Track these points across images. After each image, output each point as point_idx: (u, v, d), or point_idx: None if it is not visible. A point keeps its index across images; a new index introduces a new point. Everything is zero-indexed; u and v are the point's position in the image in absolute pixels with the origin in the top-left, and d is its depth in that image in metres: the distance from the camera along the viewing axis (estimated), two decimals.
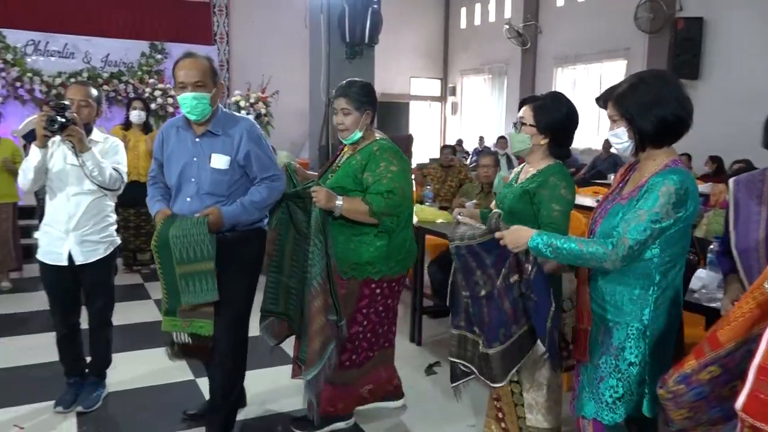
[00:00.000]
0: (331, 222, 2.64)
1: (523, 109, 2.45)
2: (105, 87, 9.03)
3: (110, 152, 3.01)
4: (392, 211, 2.62)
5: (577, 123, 2.42)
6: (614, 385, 1.93)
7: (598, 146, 10.43)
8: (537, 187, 2.35)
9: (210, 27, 10.81)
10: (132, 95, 8.75)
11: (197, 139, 2.60)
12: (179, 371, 3.47)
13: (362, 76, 7.30)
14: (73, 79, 8.69)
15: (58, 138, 2.80)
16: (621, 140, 1.91)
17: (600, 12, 11.00)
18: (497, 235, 2.04)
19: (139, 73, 9.36)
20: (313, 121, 7.54)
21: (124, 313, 4.50)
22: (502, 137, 10.99)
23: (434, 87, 15.79)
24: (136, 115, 5.57)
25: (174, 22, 10.40)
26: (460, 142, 13.28)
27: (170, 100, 9.32)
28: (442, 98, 15.90)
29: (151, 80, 9.38)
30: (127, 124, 5.65)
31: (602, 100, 1.98)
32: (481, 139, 13.16)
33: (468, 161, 11.24)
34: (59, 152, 2.89)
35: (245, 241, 2.64)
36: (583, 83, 11.72)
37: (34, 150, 2.83)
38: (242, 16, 10.92)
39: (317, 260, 2.54)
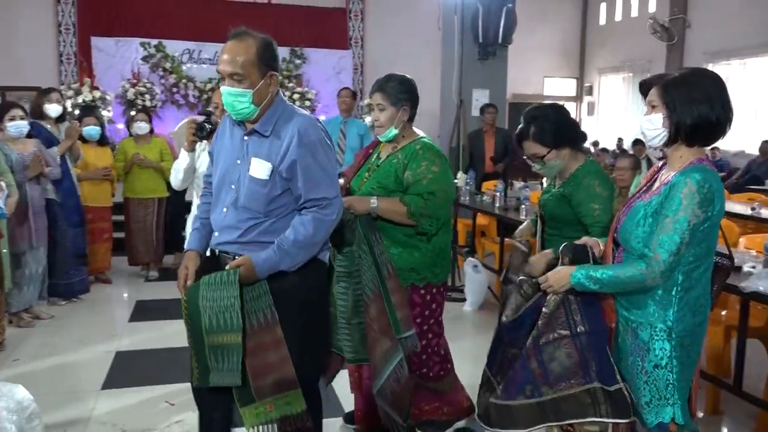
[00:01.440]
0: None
1: (527, 145, 2.49)
2: None
3: None
4: (431, 213, 2.44)
5: (574, 120, 2.52)
6: (641, 387, 1.87)
7: (753, 149, 9.55)
8: (572, 190, 2.40)
9: (346, 32, 11.18)
10: None
11: (245, 138, 2.11)
12: None
13: (495, 76, 7.28)
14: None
15: (205, 142, 3.03)
16: (654, 127, 1.84)
17: (759, 1, 10.04)
18: (541, 279, 2.02)
19: (280, 78, 9.87)
20: (443, 122, 7.56)
21: None
22: (639, 141, 10.37)
23: (569, 87, 15.24)
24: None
25: (312, 28, 10.86)
26: (596, 144, 12.72)
27: (307, 103, 9.76)
28: (577, 98, 15.30)
29: (290, 84, 9.87)
30: None
31: (647, 85, 1.90)
32: (620, 141, 12.51)
33: (606, 163, 10.72)
34: (205, 155, 3.11)
35: (294, 279, 2.08)
36: (739, 80, 10.76)
37: (183, 153, 3.07)
38: (377, 20, 11.18)
39: (365, 269, 2.38)
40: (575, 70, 15.14)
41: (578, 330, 1.97)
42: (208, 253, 2.26)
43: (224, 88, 2.01)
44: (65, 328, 4.32)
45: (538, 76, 14.61)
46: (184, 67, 9.58)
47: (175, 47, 9.59)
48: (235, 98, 2.00)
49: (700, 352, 1.92)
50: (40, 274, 4.48)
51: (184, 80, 9.46)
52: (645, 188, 1.97)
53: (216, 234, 2.17)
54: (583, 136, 2.56)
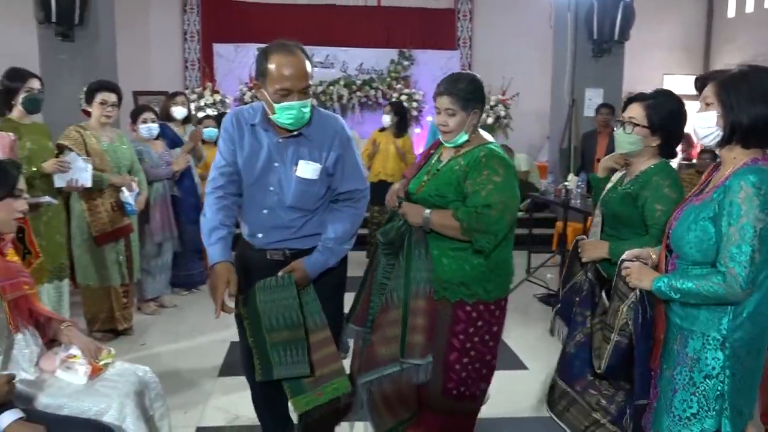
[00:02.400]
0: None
1: (632, 107, 2.30)
2: (358, 93, 9.83)
3: None
4: (486, 228, 2.18)
5: (686, 120, 2.26)
6: (687, 399, 1.79)
7: None
8: (639, 188, 2.27)
9: (454, 32, 11.13)
10: (381, 100, 9.40)
11: (280, 140, 2.19)
12: None
13: (610, 74, 6.98)
14: (332, 87, 9.64)
15: None
16: (707, 125, 1.77)
17: None
18: (626, 265, 1.96)
19: (388, 79, 10.00)
20: (554, 122, 7.35)
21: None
22: None
23: (691, 84, 14.29)
24: (384, 120, 5.96)
25: (421, 29, 10.90)
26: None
27: (414, 104, 9.81)
28: (699, 97, 14.33)
29: (398, 86, 9.96)
30: (383, 128, 6.10)
31: (702, 81, 1.80)
32: None
33: None
34: None
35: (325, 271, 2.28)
36: None
37: None
38: (485, 20, 11.03)
39: (395, 277, 2.29)
40: (698, 67, 14.17)
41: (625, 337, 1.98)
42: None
43: (297, 103, 2.07)
44: (186, 317, 4.61)
45: (657, 73, 13.80)
46: None
47: None
48: (307, 110, 2.12)
49: (762, 364, 1.79)
50: (170, 265, 4.82)
51: None
52: (698, 191, 1.87)
53: (260, 235, 2.26)
54: (679, 140, 2.38)
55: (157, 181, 4.55)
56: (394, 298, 2.28)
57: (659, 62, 13.76)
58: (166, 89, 9.11)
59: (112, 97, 3.90)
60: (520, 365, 3.82)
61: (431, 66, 10.25)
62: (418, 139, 8.18)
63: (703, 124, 1.78)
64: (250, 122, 2.21)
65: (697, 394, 1.76)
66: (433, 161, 2.46)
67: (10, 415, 1.69)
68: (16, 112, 3.47)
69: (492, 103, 8.81)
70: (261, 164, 2.19)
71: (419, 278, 2.24)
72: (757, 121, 1.67)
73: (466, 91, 2.27)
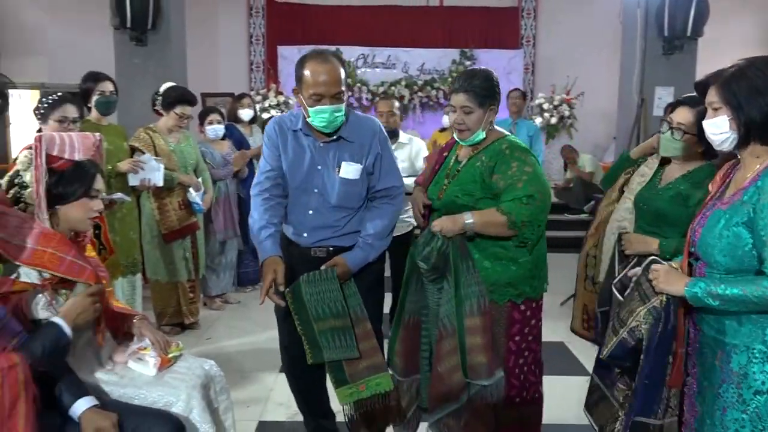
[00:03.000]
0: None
1: (681, 112, 2.20)
2: (419, 94, 9.82)
3: (415, 152, 3.33)
4: (533, 219, 2.17)
5: None
6: (739, 418, 1.66)
7: None
8: (692, 189, 2.21)
9: (518, 31, 10.96)
10: (443, 100, 9.37)
11: (321, 145, 2.33)
12: None
13: (681, 72, 6.72)
14: (393, 88, 9.66)
15: None
16: (720, 131, 1.66)
17: None
18: (654, 267, 1.83)
19: (449, 79, 9.95)
20: (621, 122, 7.14)
21: None
22: None
23: None
24: (445, 120, 5.94)
25: (483, 29, 10.80)
26: None
27: None
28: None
29: None
30: (444, 128, 6.10)
31: (703, 86, 1.68)
32: None
33: None
34: None
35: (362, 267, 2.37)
36: None
37: None
38: (550, 18, 10.82)
39: (445, 302, 2.22)
40: None
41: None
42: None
43: (329, 107, 2.20)
44: (249, 314, 4.72)
45: None
46: (358, 72, 10.01)
47: (351, 53, 10.05)
48: (340, 114, 2.24)
49: None
50: (234, 263, 4.96)
51: (358, 84, 9.89)
52: (718, 194, 1.77)
53: (305, 234, 2.39)
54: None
55: (220, 180, 4.68)
56: (447, 325, 2.22)
57: (734, 60, 13.15)
58: (232, 91, 9.35)
59: (188, 110, 4.08)
60: (583, 371, 3.73)
61: (493, 66, 10.02)
62: None
63: (715, 130, 1.68)
64: (293, 128, 2.34)
65: (748, 412, 1.66)
66: (450, 163, 2.41)
67: (85, 403, 1.77)
68: (94, 113, 3.64)
69: (556, 103, 8.64)
70: (305, 168, 2.32)
71: (470, 294, 2.19)
72: None
73: (482, 88, 2.23)
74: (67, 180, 1.98)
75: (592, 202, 6.08)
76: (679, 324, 1.81)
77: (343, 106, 2.25)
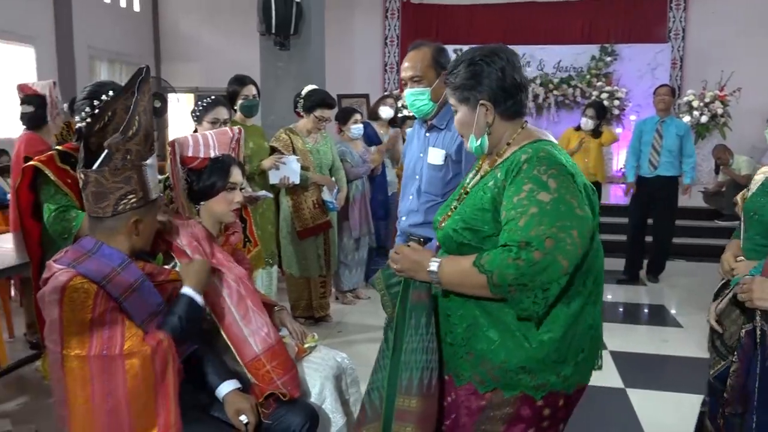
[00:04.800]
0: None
1: None
2: (554, 92, 9.51)
3: None
4: (530, 281, 1.38)
5: None
6: None
7: None
8: None
9: (665, 24, 10.27)
10: (579, 99, 9.00)
11: (427, 134, 2.47)
12: (607, 376, 3.43)
13: None
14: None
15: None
16: None
17: None
18: (738, 289, 1.64)
19: (588, 76, 9.53)
20: None
21: None
22: None
23: None
24: (584, 122, 5.71)
25: (627, 22, 10.25)
26: None
27: (616, 102, 9.25)
28: None
29: (599, 83, 9.46)
30: (579, 126, 5.87)
31: None
32: None
33: None
34: None
35: None
36: None
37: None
38: (703, 8, 10.03)
39: (379, 368, 1.68)
40: None
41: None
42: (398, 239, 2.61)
43: (407, 90, 2.37)
44: (378, 309, 4.81)
45: None
46: None
47: None
48: (416, 97, 2.35)
49: None
50: (365, 259, 5.10)
51: None
52: None
53: (403, 218, 2.52)
54: None
55: (358, 179, 4.81)
56: (374, 400, 1.65)
57: None
58: (366, 92, 9.63)
59: (327, 114, 4.24)
60: None
61: (636, 61, 9.59)
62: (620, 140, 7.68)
63: None
64: (419, 122, 2.56)
65: None
66: (467, 179, 1.71)
67: (229, 385, 1.90)
68: (238, 114, 3.89)
69: (707, 100, 7.99)
70: (413, 156, 2.53)
71: (413, 363, 1.54)
72: None
73: (462, 78, 1.58)
74: (205, 177, 2.09)
75: None
76: None
77: (421, 89, 2.35)
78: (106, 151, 1.66)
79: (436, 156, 2.36)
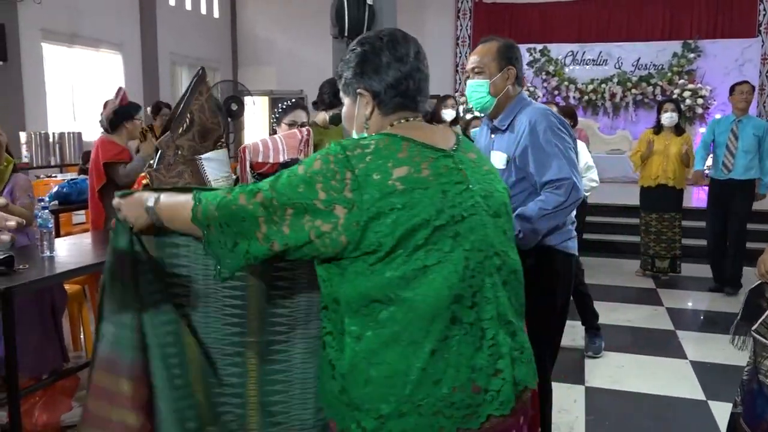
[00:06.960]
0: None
1: None
2: (633, 90, 9.19)
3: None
4: (228, 217, 1.17)
5: None
6: None
7: None
8: None
9: (754, 17, 9.73)
10: (659, 97, 8.67)
11: (492, 136, 2.31)
12: (688, 387, 3.29)
13: None
14: (604, 85, 9.17)
15: None
16: None
17: None
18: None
19: (669, 74, 9.16)
20: None
21: (632, 314, 4.55)
22: None
23: None
24: (668, 118, 5.46)
25: (712, 16, 9.78)
26: None
27: (699, 101, 8.85)
28: None
29: (680, 81, 9.09)
30: (658, 127, 5.60)
31: None
32: None
33: None
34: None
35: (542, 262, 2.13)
36: None
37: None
38: None
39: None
40: None
41: None
42: None
43: (468, 81, 2.24)
44: None
45: None
46: (566, 69, 9.66)
47: (559, 50, 9.74)
48: (474, 89, 2.21)
49: None
50: None
51: (565, 82, 9.55)
52: None
53: None
54: None
55: None
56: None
57: None
58: (437, 92, 9.61)
59: None
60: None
61: (722, 57, 9.14)
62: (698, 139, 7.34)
63: None
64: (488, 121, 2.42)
65: None
66: None
67: None
68: (321, 117, 3.95)
69: None
70: None
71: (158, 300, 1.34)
72: None
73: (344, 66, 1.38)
74: None
75: None
76: None
77: (481, 81, 2.19)
78: (159, 150, 1.73)
79: (498, 159, 2.22)
